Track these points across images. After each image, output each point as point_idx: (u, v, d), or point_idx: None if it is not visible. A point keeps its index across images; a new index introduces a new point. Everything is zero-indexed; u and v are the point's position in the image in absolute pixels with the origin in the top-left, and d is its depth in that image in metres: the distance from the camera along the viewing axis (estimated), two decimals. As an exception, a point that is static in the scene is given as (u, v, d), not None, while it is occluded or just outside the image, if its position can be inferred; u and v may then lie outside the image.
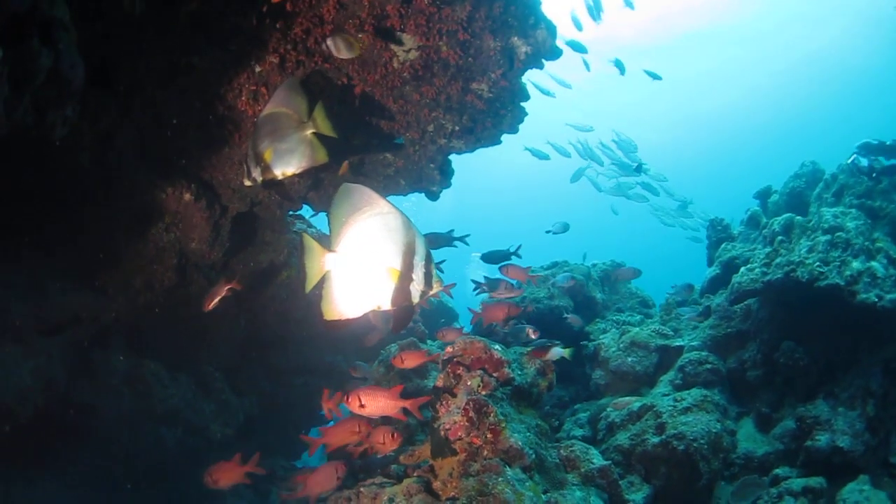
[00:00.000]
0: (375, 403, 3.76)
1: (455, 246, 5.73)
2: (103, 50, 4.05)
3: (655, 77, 8.90)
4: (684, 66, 28.19)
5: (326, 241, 2.46)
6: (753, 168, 35.50)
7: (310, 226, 6.43)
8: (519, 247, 6.00)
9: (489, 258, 5.91)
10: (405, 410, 4.07)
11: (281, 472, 7.19)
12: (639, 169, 9.05)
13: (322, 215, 5.89)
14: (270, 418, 7.06)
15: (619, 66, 9.00)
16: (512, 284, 5.88)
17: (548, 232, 8.46)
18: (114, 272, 5.11)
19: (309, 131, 3.40)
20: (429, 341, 6.38)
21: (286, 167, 3.46)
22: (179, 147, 4.75)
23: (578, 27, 9.54)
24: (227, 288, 4.90)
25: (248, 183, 3.63)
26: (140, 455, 6.01)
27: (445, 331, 5.40)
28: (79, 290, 5.12)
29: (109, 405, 5.59)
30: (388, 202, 2.41)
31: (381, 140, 5.26)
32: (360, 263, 2.40)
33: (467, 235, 5.81)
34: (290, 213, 5.91)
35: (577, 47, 8.65)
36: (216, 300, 4.95)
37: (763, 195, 8.68)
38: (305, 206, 5.80)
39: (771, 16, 26.19)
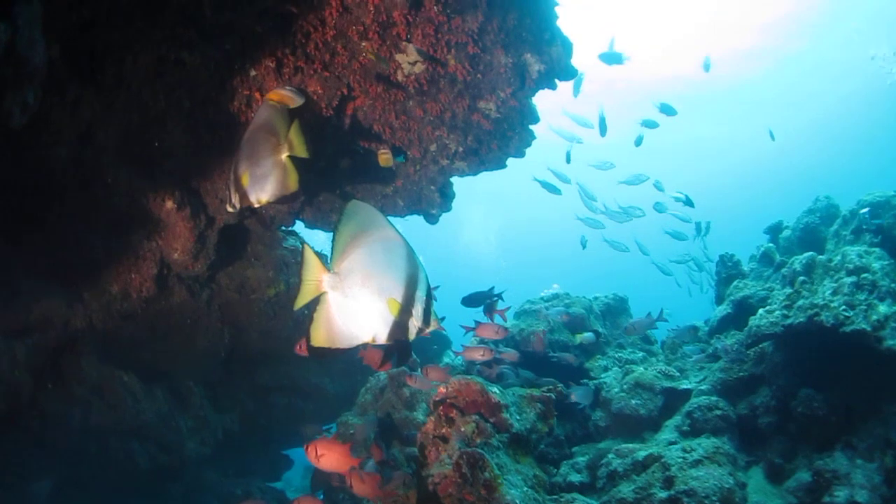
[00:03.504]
0: (329, 458, 3.37)
1: None
2: (88, 38, 3.63)
3: (671, 113, 8.37)
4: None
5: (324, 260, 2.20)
6: (759, 204, 34.64)
7: (302, 242, 5.95)
8: (504, 291, 5.47)
9: (469, 301, 5.37)
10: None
11: (258, 493, 6.67)
12: (689, 202, 8.43)
13: (316, 231, 5.43)
14: (250, 437, 6.57)
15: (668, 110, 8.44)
16: (501, 327, 5.36)
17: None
18: (89, 277, 4.67)
19: (283, 155, 3.04)
20: (419, 370, 5.87)
21: (261, 194, 3.11)
22: (165, 149, 4.32)
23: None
24: None
25: (229, 209, 3.28)
26: (109, 469, 5.53)
27: (430, 368, 4.89)
28: (51, 291, 4.70)
29: (77, 415, 5.13)
30: (396, 229, 2.19)
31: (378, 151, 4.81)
32: (359, 289, 2.14)
33: (436, 287, 5.30)
34: (282, 228, 5.44)
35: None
36: None
37: (774, 230, 8.18)
38: (298, 222, 5.35)
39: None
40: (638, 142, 8.39)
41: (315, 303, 2.15)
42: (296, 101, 3.41)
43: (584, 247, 10.05)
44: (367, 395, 5.82)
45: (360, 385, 6.03)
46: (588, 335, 6.94)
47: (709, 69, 9.87)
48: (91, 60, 3.76)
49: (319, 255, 2.27)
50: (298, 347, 4.27)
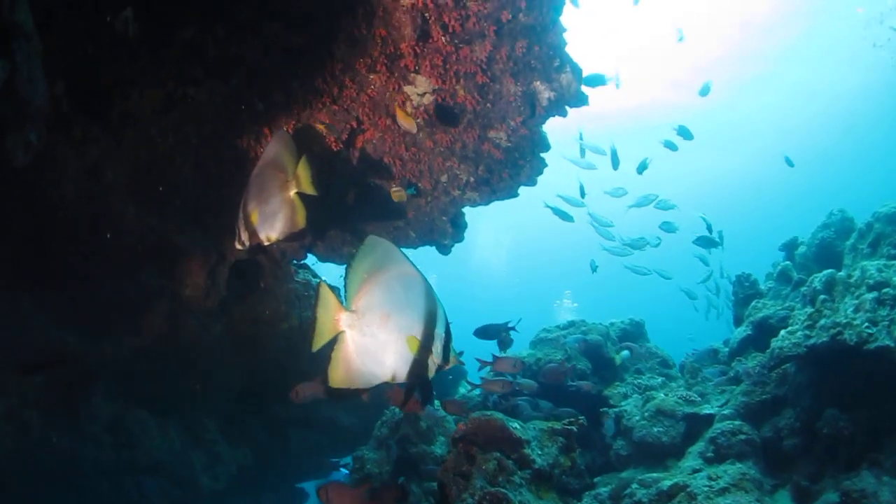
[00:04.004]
0: (341, 501, 3.23)
1: None
2: (94, 74, 3.55)
3: (688, 136, 8.18)
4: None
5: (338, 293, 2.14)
6: (771, 220, 33.85)
7: (314, 275, 5.83)
8: (518, 321, 5.27)
9: (483, 333, 5.18)
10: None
11: (273, 529, 6.50)
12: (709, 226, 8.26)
13: (328, 264, 5.31)
14: (265, 471, 6.39)
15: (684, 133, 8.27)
16: (517, 360, 5.17)
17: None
18: (99, 313, 4.57)
19: (292, 191, 3.03)
20: (437, 402, 5.69)
21: (270, 231, 3.11)
22: (174, 185, 4.21)
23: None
24: None
25: (238, 247, 3.24)
26: (121, 506, 5.39)
27: (447, 403, 4.72)
28: (62, 327, 4.58)
29: (89, 452, 5.00)
30: (413, 264, 2.12)
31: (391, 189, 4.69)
32: (378, 328, 2.05)
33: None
34: (294, 261, 5.31)
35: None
36: None
37: (789, 247, 7.95)
38: (309, 255, 5.23)
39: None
40: (641, 168, 8.18)
41: (332, 342, 2.06)
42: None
43: (593, 270, 9.89)
44: (384, 429, 5.64)
45: (374, 418, 5.85)
46: (625, 353, 7.13)
47: (707, 93, 9.58)
48: (97, 96, 3.68)
49: (334, 289, 2.17)
50: (294, 395, 4.13)
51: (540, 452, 3.95)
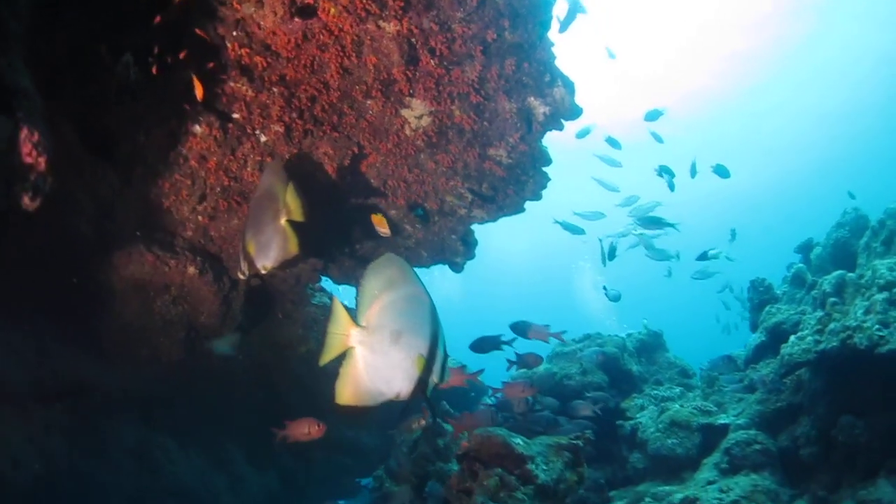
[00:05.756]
0: None
1: None
2: (100, 116, 3.56)
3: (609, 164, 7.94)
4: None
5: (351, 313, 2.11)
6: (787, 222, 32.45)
7: (332, 296, 5.78)
8: (513, 339, 5.21)
9: (478, 347, 5.13)
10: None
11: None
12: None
13: (344, 287, 5.26)
14: (292, 493, 6.31)
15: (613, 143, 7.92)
16: (527, 386, 5.09)
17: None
18: (118, 342, 4.56)
19: (282, 220, 3.07)
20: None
21: (265, 260, 3.14)
22: (183, 218, 4.20)
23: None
24: None
25: (240, 276, 3.33)
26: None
27: (466, 416, 4.62)
28: (83, 356, 4.60)
29: (114, 478, 4.97)
30: (422, 285, 2.13)
31: (398, 211, 4.64)
32: (389, 346, 2.04)
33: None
34: (310, 286, 5.27)
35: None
36: None
37: (805, 249, 7.73)
38: (324, 279, 5.19)
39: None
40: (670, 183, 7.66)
41: (341, 358, 2.04)
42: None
43: (610, 298, 9.62)
44: (402, 448, 5.55)
45: (395, 438, 5.76)
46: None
47: (654, 119, 8.29)
48: (105, 138, 3.69)
49: (348, 310, 2.16)
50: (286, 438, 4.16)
51: (545, 468, 3.83)
